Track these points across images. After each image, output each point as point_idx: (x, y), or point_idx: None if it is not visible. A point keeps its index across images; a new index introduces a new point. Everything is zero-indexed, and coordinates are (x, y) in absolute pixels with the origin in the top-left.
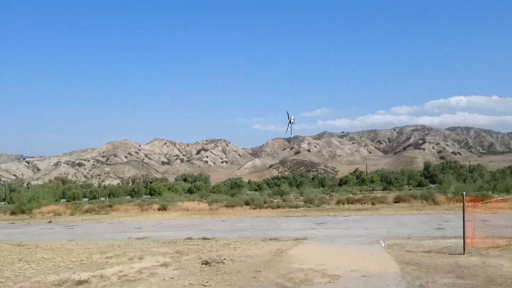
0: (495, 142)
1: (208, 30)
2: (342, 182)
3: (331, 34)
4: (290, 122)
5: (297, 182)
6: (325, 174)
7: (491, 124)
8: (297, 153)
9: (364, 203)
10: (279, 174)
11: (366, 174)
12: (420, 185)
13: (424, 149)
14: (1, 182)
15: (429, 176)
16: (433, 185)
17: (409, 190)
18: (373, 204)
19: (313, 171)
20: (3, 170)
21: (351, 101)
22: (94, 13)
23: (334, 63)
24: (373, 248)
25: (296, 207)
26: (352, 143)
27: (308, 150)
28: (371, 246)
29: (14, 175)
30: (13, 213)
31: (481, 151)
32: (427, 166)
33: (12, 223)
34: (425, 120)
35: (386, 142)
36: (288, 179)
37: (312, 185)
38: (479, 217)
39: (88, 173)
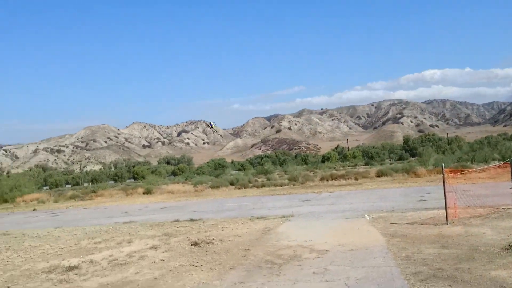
0: (471, 114)
1: (180, 12)
2: (325, 158)
3: (303, 13)
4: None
5: (280, 160)
6: (308, 152)
7: (465, 96)
8: (278, 131)
9: (348, 179)
10: (262, 153)
11: (348, 150)
12: (401, 158)
13: (402, 123)
14: None
15: (409, 149)
16: (413, 158)
17: (391, 164)
18: (356, 179)
19: (295, 149)
20: None
21: (327, 78)
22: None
23: (309, 41)
24: (358, 222)
25: (281, 185)
26: (332, 119)
27: (289, 128)
28: (356, 220)
29: None
30: None
31: (458, 123)
32: (406, 140)
33: None
34: (401, 95)
35: (365, 118)
36: (271, 157)
37: (295, 163)
38: (460, 187)
39: (68, 159)
